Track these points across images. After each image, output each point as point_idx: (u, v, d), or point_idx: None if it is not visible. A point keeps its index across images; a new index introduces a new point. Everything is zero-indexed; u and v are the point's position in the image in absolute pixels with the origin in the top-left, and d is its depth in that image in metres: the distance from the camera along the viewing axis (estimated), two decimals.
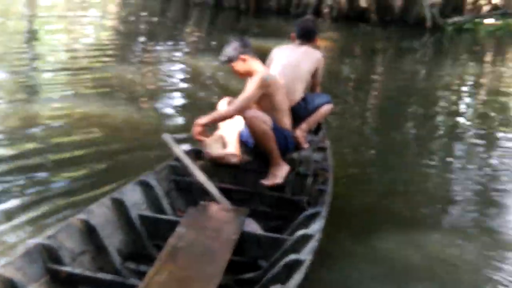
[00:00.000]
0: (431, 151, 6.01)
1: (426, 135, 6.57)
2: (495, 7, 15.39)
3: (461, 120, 7.24)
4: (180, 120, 6.30)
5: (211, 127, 3.97)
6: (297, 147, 4.31)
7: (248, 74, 3.96)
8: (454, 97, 8.44)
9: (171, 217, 3.29)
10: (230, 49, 3.93)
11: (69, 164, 4.70)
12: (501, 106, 8.04)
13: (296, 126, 4.32)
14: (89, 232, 2.75)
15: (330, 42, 11.83)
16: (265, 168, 3.99)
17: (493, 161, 5.66)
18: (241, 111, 3.79)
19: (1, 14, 12.26)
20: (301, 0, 15.31)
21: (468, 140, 6.37)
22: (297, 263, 2.58)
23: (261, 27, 13.75)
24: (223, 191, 3.62)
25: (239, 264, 2.89)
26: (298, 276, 2.42)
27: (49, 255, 2.52)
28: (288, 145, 4.03)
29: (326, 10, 15.04)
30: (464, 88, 9.21)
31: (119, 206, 3.06)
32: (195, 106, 6.89)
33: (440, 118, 7.33)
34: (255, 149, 4.04)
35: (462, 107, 7.98)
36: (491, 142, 6.29)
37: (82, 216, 2.80)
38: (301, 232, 2.94)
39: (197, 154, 4.04)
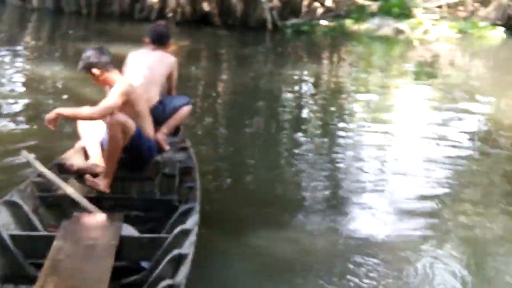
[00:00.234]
0: (281, 145, 6.39)
1: (274, 130, 6.98)
2: (328, 10, 16.53)
3: (304, 115, 7.76)
4: (21, 131, 6.06)
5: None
6: (159, 150, 4.39)
7: (107, 83, 3.96)
8: (297, 95, 8.95)
9: (44, 233, 3.21)
10: (89, 57, 3.89)
11: None
12: (338, 101, 8.70)
13: (155, 129, 4.36)
14: None
15: (176, 46, 11.92)
16: (131, 173, 4.02)
17: (334, 151, 6.16)
18: (102, 116, 3.77)
19: None
20: (144, 4, 15.21)
21: (312, 133, 6.85)
22: (181, 257, 2.70)
23: (105, 32, 13.47)
24: (92, 201, 3.60)
25: (121, 269, 2.92)
26: (184, 269, 2.55)
27: None
28: (151, 154, 4.07)
29: (169, 14, 15.12)
30: (306, 87, 9.82)
31: None
32: (38, 116, 6.63)
33: (285, 115, 7.75)
34: (125, 149, 4.03)
35: (304, 104, 8.49)
36: (331, 134, 6.83)
37: None
38: (178, 228, 3.06)
39: (59, 168, 3.96)
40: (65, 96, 7.48)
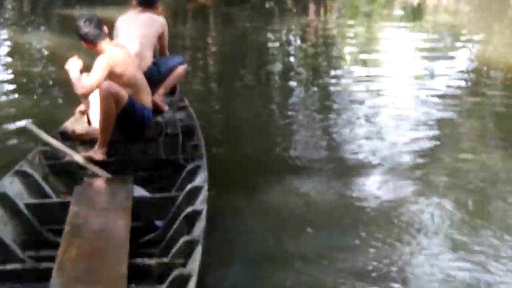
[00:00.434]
0: (275, 97, 6.47)
1: (266, 83, 7.02)
2: None
3: (294, 65, 7.79)
4: (14, 101, 6.03)
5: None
6: (159, 111, 4.44)
7: (98, 51, 3.94)
8: (285, 47, 8.96)
9: (59, 199, 3.29)
10: (78, 29, 3.85)
11: None
12: (327, 50, 8.74)
13: (152, 91, 4.38)
14: None
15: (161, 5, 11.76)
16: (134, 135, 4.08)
17: (326, 101, 6.20)
18: (88, 93, 3.77)
19: None
20: None
21: (303, 83, 6.90)
22: (195, 214, 2.78)
23: None
24: (99, 164, 3.66)
25: (136, 229, 3.00)
26: (200, 225, 2.63)
27: None
28: (145, 122, 4.04)
29: None
30: (294, 38, 9.84)
31: (4, 199, 3.01)
32: (28, 84, 6.65)
33: (276, 66, 7.78)
34: (118, 119, 4.08)
35: (293, 55, 8.52)
36: (322, 83, 6.87)
37: None
38: (189, 186, 3.13)
39: (63, 135, 4.01)
40: (54, 63, 7.40)
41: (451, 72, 7.22)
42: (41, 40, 8.73)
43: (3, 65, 7.50)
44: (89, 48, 3.91)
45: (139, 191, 3.37)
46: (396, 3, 13.73)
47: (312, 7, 13.01)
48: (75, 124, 4.18)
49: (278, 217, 3.66)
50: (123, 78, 3.82)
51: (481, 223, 3.58)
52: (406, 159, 4.64)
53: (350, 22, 11.19)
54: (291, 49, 8.90)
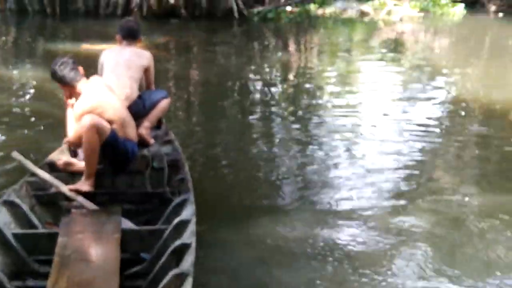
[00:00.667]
0: (256, 128, 6.52)
1: (247, 115, 7.09)
2: None
3: (274, 102, 7.84)
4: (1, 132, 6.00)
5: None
6: (144, 144, 4.48)
7: (76, 94, 3.97)
8: (266, 83, 9.02)
9: (47, 230, 3.30)
10: (53, 73, 3.93)
11: None
12: (306, 84, 8.87)
13: (137, 124, 4.43)
14: None
15: (145, 41, 11.92)
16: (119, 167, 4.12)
17: (305, 136, 6.26)
18: (78, 140, 3.82)
19: None
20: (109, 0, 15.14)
21: (283, 120, 6.97)
22: (184, 247, 2.81)
23: (71, 30, 13.38)
24: (85, 196, 3.68)
25: (122, 261, 3.02)
26: (189, 258, 2.65)
27: None
28: (129, 155, 4.06)
29: (135, 9, 15.05)
30: (274, 72, 9.96)
31: None
32: (14, 117, 6.64)
33: (256, 102, 7.85)
34: (102, 151, 4.11)
35: (275, 92, 8.54)
36: (302, 120, 6.91)
37: None
38: (177, 219, 3.16)
39: (49, 166, 4.03)
40: (37, 96, 7.47)
41: (429, 106, 7.39)
42: (23, 74, 8.75)
43: None
44: (66, 90, 3.98)
45: (126, 223, 3.39)
46: (375, 39, 14.04)
47: (292, 44, 13.26)
48: (61, 155, 4.21)
49: (264, 249, 3.71)
50: (104, 115, 3.85)
51: (460, 264, 3.63)
52: (385, 191, 4.72)
53: (330, 58, 11.40)
54: (272, 84, 9.02)
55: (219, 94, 8.03)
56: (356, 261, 3.58)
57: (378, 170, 5.15)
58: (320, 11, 16.32)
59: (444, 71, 10.02)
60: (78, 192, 3.69)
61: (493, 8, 18.74)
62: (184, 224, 3.12)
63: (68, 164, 4.09)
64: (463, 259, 3.66)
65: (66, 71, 3.87)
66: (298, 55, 11.83)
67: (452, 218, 4.24)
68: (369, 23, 15.68)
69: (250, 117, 7.05)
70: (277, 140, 6.12)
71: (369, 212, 4.30)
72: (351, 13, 16.44)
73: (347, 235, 3.93)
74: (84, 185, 3.76)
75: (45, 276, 2.85)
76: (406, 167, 5.29)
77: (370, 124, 6.60)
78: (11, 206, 3.35)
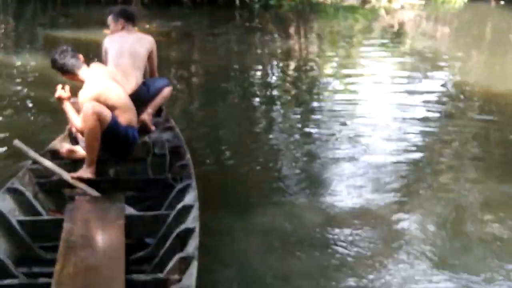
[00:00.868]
0: (256, 118, 6.51)
1: (248, 103, 7.09)
2: None
3: (276, 90, 7.87)
4: (2, 120, 6.05)
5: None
6: (146, 130, 4.50)
7: (78, 80, 3.99)
8: (267, 69, 9.07)
9: (51, 217, 3.33)
10: (54, 63, 3.95)
11: None
12: (307, 72, 8.90)
13: (140, 110, 4.46)
14: None
15: (147, 29, 11.89)
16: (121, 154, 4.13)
17: (308, 121, 6.31)
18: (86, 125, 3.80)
19: None
20: None
21: (285, 107, 7.00)
22: (188, 232, 2.84)
23: (72, 17, 13.34)
24: (87, 183, 3.70)
25: (126, 246, 3.05)
26: (193, 242, 2.69)
27: None
28: (130, 141, 4.06)
29: None
30: (275, 60, 9.95)
31: None
32: (15, 104, 6.66)
33: (257, 90, 7.87)
34: (103, 138, 4.07)
35: (276, 79, 8.62)
36: (303, 107, 6.96)
37: None
38: (181, 204, 3.20)
39: (51, 153, 4.05)
40: (38, 84, 7.45)
41: (431, 94, 7.39)
42: (25, 60, 8.75)
43: None
44: (69, 78, 3.99)
45: (129, 210, 3.42)
46: (376, 26, 14.01)
47: (294, 32, 13.23)
48: (63, 143, 4.23)
49: (270, 237, 3.72)
50: (107, 102, 3.87)
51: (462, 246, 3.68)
52: (388, 180, 4.72)
53: (330, 46, 11.40)
54: (273, 71, 9.03)
55: (220, 81, 8.03)
56: (361, 251, 3.60)
57: (381, 159, 5.14)
58: None
59: (446, 58, 10.01)
60: (81, 179, 3.71)
61: None
62: (187, 209, 3.15)
63: (71, 151, 4.11)
64: (467, 250, 3.66)
65: (66, 59, 3.89)
66: (299, 43, 11.82)
67: (456, 208, 4.24)
68: (370, 11, 15.63)
69: (252, 104, 7.07)
70: (278, 127, 6.13)
71: (372, 202, 4.30)
72: (352, 0, 16.38)
73: (352, 224, 3.94)
74: (86, 172, 3.78)
75: (50, 262, 2.88)
76: (408, 156, 5.30)
77: (372, 112, 6.61)
78: (15, 193, 3.37)
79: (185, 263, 2.56)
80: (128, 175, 4.05)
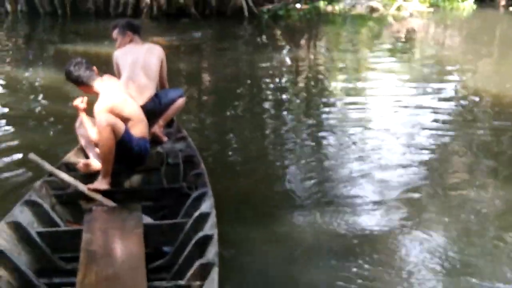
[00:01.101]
0: (269, 129, 6.50)
1: (258, 112, 7.09)
2: None
3: (286, 99, 7.87)
4: (16, 134, 6.07)
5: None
6: (158, 142, 4.53)
7: (93, 93, 4.03)
8: (278, 80, 9.05)
9: (70, 228, 3.37)
10: (68, 74, 3.98)
11: None
12: (317, 81, 8.93)
13: (152, 122, 4.49)
14: (0, 257, 2.77)
15: (156, 41, 11.97)
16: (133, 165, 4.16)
17: (318, 131, 6.28)
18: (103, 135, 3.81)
19: None
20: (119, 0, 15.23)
21: (296, 115, 6.98)
22: (207, 239, 2.85)
23: (82, 31, 13.46)
24: (103, 194, 3.73)
25: (146, 255, 3.07)
26: (213, 249, 2.70)
27: None
28: (142, 153, 4.10)
29: (145, 8, 15.12)
30: (285, 70, 9.95)
31: (17, 228, 3.09)
32: (28, 118, 6.69)
33: (268, 99, 7.88)
34: (116, 149, 4.08)
35: (286, 88, 8.59)
36: (314, 115, 6.96)
37: None
38: (197, 212, 3.21)
39: (66, 166, 4.10)
40: (50, 97, 7.51)
41: (440, 102, 7.36)
42: (35, 75, 8.83)
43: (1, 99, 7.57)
44: (84, 91, 4.02)
45: (146, 219, 3.44)
46: (385, 34, 14.02)
47: (303, 41, 13.28)
48: (77, 156, 4.27)
49: (288, 245, 3.71)
50: (121, 114, 3.91)
51: (472, 257, 3.64)
52: (399, 189, 4.67)
53: (341, 54, 11.40)
54: (283, 80, 9.05)
55: (230, 93, 8.05)
56: (378, 254, 3.60)
57: (391, 164, 5.15)
58: (329, 8, 16.33)
59: (455, 65, 9.99)
60: (97, 190, 3.74)
61: (503, 2, 18.66)
62: (204, 216, 3.17)
63: (87, 165, 4.14)
64: (479, 253, 3.66)
65: (81, 71, 3.93)
66: (309, 52, 11.84)
67: (467, 211, 4.24)
68: (379, 19, 15.66)
69: (262, 113, 7.07)
70: (290, 136, 6.10)
71: (385, 206, 4.31)
72: (361, 9, 16.43)
73: (366, 228, 3.95)
74: (102, 183, 3.81)
75: (70, 272, 2.92)
76: (419, 160, 5.29)
77: (383, 118, 6.61)
78: (33, 205, 3.41)
79: (205, 269, 2.56)
80: (142, 185, 4.09)
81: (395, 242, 3.81)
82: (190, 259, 2.80)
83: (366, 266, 3.48)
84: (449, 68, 9.72)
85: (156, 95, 4.70)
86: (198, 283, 2.55)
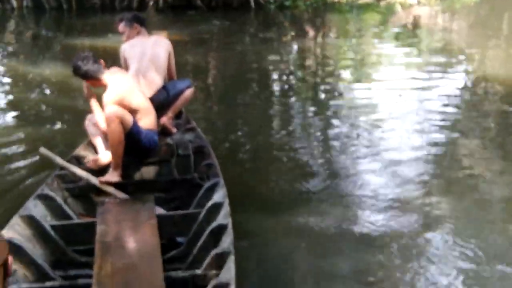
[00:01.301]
0: (278, 120, 6.47)
1: (268, 100, 7.09)
2: None
3: (294, 89, 7.84)
4: (26, 128, 6.05)
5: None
6: (167, 133, 4.50)
7: (101, 85, 4.00)
8: (285, 71, 9.01)
9: (83, 220, 3.36)
10: (76, 69, 3.94)
11: None
12: (326, 74, 8.81)
13: (160, 114, 4.46)
14: (16, 250, 2.77)
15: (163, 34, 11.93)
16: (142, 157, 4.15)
17: (326, 122, 6.25)
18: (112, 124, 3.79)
19: None
20: None
21: (304, 106, 6.97)
22: (221, 228, 2.84)
23: (87, 25, 13.44)
24: (115, 187, 3.72)
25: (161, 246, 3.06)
26: (228, 238, 2.69)
27: None
28: (151, 144, 4.08)
29: (151, 1, 15.09)
30: (293, 61, 9.93)
31: (31, 222, 3.09)
32: (34, 112, 6.72)
33: (276, 90, 7.87)
34: (126, 141, 4.01)
35: (294, 78, 8.56)
36: (322, 106, 6.92)
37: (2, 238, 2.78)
38: (210, 202, 3.20)
39: (77, 160, 4.09)
40: (58, 91, 7.53)
41: (449, 89, 7.31)
42: (42, 70, 8.83)
43: (8, 93, 7.58)
44: (92, 84, 4.00)
45: (158, 210, 3.43)
46: (393, 22, 13.94)
47: (310, 31, 13.21)
48: (86, 151, 4.26)
49: (302, 237, 3.69)
50: (129, 106, 3.90)
51: (487, 252, 3.56)
52: (411, 178, 4.65)
53: (347, 43, 11.35)
54: (291, 71, 9.01)
55: (238, 84, 8.03)
56: (388, 247, 3.56)
57: (404, 156, 5.10)
58: None
59: (464, 52, 9.93)
60: (108, 183, 3.74)
61: None
62: (217, 206, 3.15)
63: (96, 160, 4.12)
64: (492, 243, 3.61)
65: (89, 65, 3.90)
66: (316, 41, 11.79)
67: (479, 201, 4.20)
68: (386, 7, 15.56)
69: (271, 104, 7.06)
70: (298, 127, 6.10)
71: (396, 197, 4.26)
72: None
73: (378, 220, 3.91)
74: (113, 176, 3.80)
75: (85, 264, 2.92)
76: (429, 149, 5.25)
77: (391, 107, 6.57)
78: (46, 199, 3.41)
79: (221, 258, 2.56)
80: (153, 177, 4.07)
81: (409, 233, 3.75)
82: (205, 249, 2.79)
83: (381, 258, 3.44)
84: (458, 55, 9.67)
85: (164, 87, 4.68)
86: (214, 272, 2.54)
